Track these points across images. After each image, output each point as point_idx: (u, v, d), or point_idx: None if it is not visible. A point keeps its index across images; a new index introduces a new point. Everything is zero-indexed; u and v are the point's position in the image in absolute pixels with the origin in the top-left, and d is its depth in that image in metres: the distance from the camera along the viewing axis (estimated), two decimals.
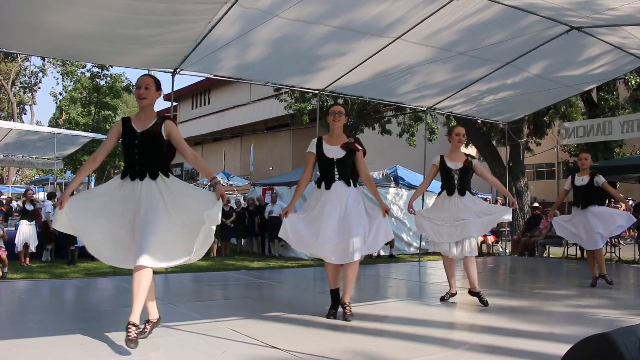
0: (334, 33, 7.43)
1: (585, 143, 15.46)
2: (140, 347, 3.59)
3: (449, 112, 12.22)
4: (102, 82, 25.26)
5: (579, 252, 13.00)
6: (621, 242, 13.36)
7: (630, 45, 8.33)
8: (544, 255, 13.25)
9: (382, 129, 20.07)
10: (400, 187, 14.92)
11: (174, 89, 8.98)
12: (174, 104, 45.44)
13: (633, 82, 15.63)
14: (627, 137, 14.26)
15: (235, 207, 14.71)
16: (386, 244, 13.69)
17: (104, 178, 29.74)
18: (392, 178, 15.24)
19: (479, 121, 14.76)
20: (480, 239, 14.68)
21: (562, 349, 2.65)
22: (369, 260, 12.54)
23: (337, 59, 8.38)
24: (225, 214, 13.81)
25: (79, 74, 26.36)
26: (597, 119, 13.99)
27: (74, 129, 22.94)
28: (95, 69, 24.65)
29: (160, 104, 67.70)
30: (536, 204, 14.84)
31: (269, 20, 6.85)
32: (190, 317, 4.89)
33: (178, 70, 8.31)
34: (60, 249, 11.76)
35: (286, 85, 10.14)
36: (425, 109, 11.42)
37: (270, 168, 33.88)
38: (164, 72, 8.46)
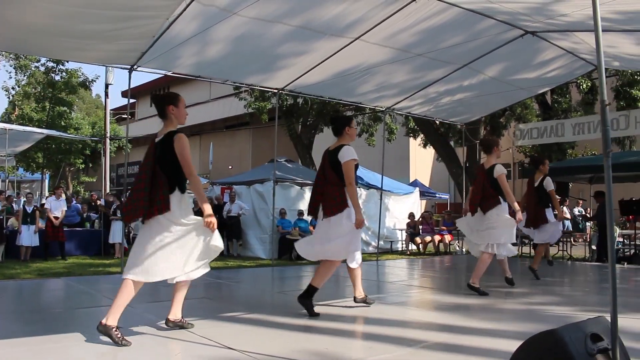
0: (293, 32, 7.41)
1: (539, 144, 15.82)
2: (91, 349, 3.52)
3: (407, 113, 12.35)
4: (58, 77, 24.58)
5: (532, 251, 13.31)
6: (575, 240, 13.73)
7: (582, 51, 8.57)
8: None
9: None
10: (359, 187, 15.00)
11: (131, 86, 8.83)
12: (132, 101, 44.64)
13: (584, 85, 16.10)
14: (579, 139, 14.66)
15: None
16: None
17: (59, 176, 29.03)
18: None
19: (437, 122, 14.97)
20: (438, 237, 14.88)
21: (515, 345, 2.72)
22: None
23: (296, 58, 8.36)
24: None
25: (33, 68, 25.61)
26: (550, 121, 14.35)
27: (27, 125, 22.28)
28: (50, 64, 23.98)
29: (117, 101, 66.33)
30: None
31: (228, 18, 6.79)
32: (145, 319, 4.81)
33: (135, 66, 8.17)
34: (11, 249, 11.45)
35: (245, 84, 10.07)
36: (384, 109, 11.51)
37: (230, 167, 33.59)
38: (121, 68, 8.32)
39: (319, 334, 4.32)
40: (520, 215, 6.48)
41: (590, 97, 17.09)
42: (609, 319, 2.83)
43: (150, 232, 4.03)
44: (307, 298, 5.09)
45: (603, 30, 3.34)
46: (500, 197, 6.48)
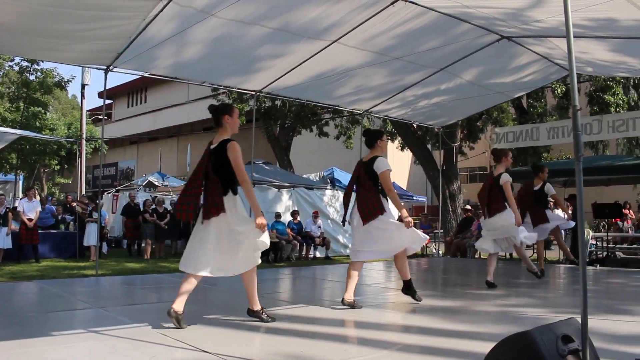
0: (271, 34, 7.41)
1: (515, 148, 16.01)
2: (66, 352, 3.47)
3: (385, 116, 12.41)
4: (32, 77, 24.18)
5: (507, 254, 13.46)
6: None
7: (556, 56, 8.70)
8: (475, 256, 13.63)
9: (320, 131, 20.17)
10: (336, 189, 15.05)
11: (108, 87, 8.74)
12: (109, 101, 44.21)
13: (559, 90, 16.34)
14: (553, 143, 14.90)
15: (170, 208, 14.44)
16: (322, 245, 13.79)
17: (33, 177, 28.59)
18: (328, 180, 15.36)
19: (414, 125, 15.07)
20: None
21: (489, 346, 2.75)
22: (304, 262, 12.59)
23: (274, 61, 8.36)
24: (160, 215, 13.54)
25: (7, 68, 25.16)
26: (525, 125, 14.54)
27: (0, 126, 21.89)
28: (25, 63, 23.57)
29: (94, 102, 65.57)
30: (468, 207, 15.26)
31: (205, 20, 6.77)
32: (120, 322, 4.76)
33: (111, 67, 8.09)
34: None
35: (223, 86, 10.04)
36: (361, 112, 11.56)
37: None
38: (97, 69, 8.24)
39: (294, 337, 4.32)
40: (519, 219, 7.02)
41: (565, 101, 17.33)
42: (579, 320, 2.88)
43: (208, 231, 4.50)
44: (409, 289, 5.92)
45: (576, 37, 3.40)
46: (506, 203, 7.05)
